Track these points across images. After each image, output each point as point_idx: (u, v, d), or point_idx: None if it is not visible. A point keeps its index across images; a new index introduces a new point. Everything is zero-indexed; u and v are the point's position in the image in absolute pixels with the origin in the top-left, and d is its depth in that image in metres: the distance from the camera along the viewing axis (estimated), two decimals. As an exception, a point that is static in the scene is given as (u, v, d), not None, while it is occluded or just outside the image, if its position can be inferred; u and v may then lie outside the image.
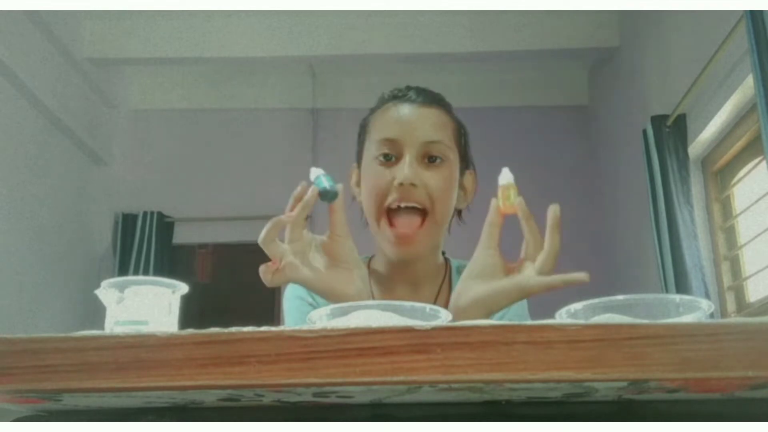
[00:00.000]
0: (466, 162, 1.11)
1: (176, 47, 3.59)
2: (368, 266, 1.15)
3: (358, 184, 1.13)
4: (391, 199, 1.02)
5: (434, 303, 1.09)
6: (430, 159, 1.04)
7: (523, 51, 3.57)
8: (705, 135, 2.58)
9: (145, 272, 3.72)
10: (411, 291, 1.09)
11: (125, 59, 3.71)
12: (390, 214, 1.03)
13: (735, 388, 0.53)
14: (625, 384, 0.51)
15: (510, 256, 0.89)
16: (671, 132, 2.68)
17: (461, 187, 1.10)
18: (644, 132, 2.80)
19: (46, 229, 3.33)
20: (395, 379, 0.50)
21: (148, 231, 3.85)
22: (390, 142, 1.04)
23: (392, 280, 1.11)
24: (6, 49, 2.94)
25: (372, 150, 1.06)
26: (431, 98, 1.09)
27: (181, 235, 3.96)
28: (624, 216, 3.46)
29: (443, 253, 1.16)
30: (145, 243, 3.83)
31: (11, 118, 3.08)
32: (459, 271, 1.15)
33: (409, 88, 1.11)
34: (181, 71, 4.07)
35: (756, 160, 2.34)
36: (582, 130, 4.03)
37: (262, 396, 0.55)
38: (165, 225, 3.91)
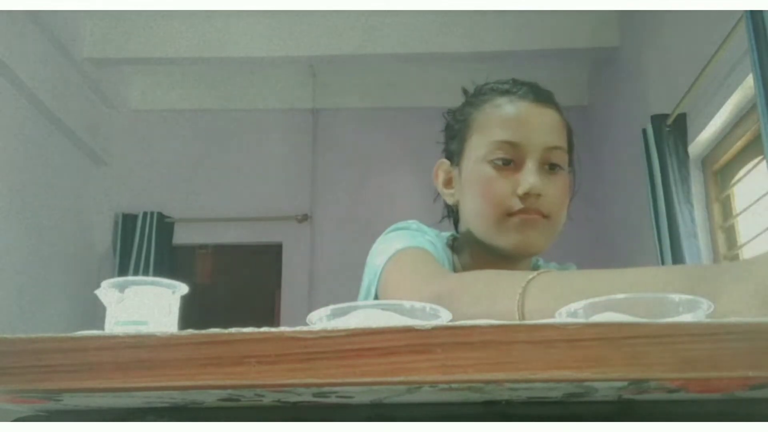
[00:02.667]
0: (570, 168, 1.04)
1: (176, 47, 3.59)
2: (452, 249, 1.06)
3: (449, 184, 1.05)
4: (515, 209, 0.94)
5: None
6: (550, 166, 0.97)
7: (523, 51, 3.57)
8: (705, 134, 2.58)
9: (145, 272, 3.72)
10: None
11: (125, 59, 3.71)
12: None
13: (735, 388, 0.53)
14: (625, 384, 0.51)
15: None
16: (671, 131, 2.68)
17: None
18: (644, 131, 2.80)
19: (46, 229, 3.33)
20: (395, 379, 0.50)
21: (148, 231, 3.85)
22: (510, 145, 0.96)
23: None
24: (6, 49, 2.94)
25: (483, 151, 0.97)
26: (546, 96, 1.02)
27: (181, 236, 3.96)
28: (624, 215, 3.46)
29: None
30: (145, 243, 3.83)
31: (11, 118, 3.08)
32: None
33: (516, 82, 1.02)
34: (181, 71, 4.07)
35: (756, 160, 2.34)
36: (582, 130, 4.01)
37: (262, 396, 0.55)
38: (165, 225, 3.91)
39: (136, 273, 3.72)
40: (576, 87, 4.11)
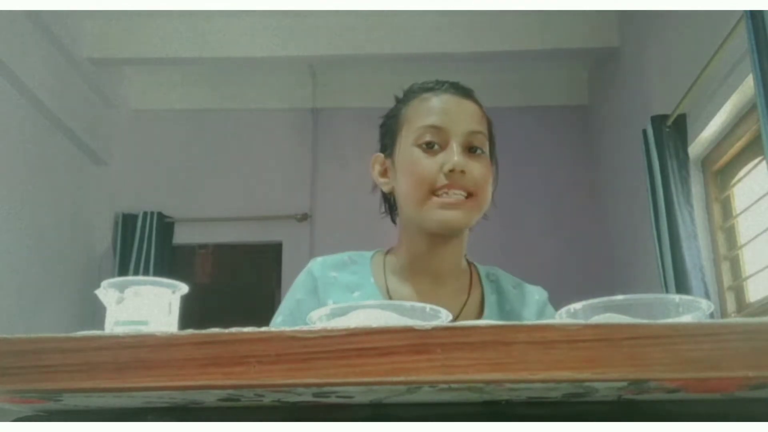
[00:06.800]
0: (491, 158, 1.13)
1: (176, 47, 3.58)
2: (383, 260, 1.16)
3: (384, 174, 1.14)
4: (440, 185, 1.03)
5: (465, 305, 1.10)
6: (471, 149, 1.06)
7: (523, 51, 3.56)
8: (705, 135, 2.58)
9: (145, 272, 3.71)
10: (432, 283, 1.10)
11: (125, 59, 3.71)
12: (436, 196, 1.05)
13: (735, 388, 0.53)
14: (625, 384, 0.51)
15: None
16: (671, 132, 2.68)
17: None
18: (644, 132, 2.80)
19: (46, 229, 3.33)
20: (395, 379, 0.50)
21: (148, 231, 3.84)
22: (435, 129, 1.05)
23: (413, 272, 1.11)
24: (6, 49, 2.94)
25: (412, 137, 1.07)
26: (467, 92, 1.12)
27: (181, 235, 3.96)
28: (624, 216, 3.46)
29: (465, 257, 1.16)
30: (145, 243, 3.83)
31: (11, 118, 3.08)
32: (489, 278, 1.15)
33: (441, 81, 1.12)
34: (181, 71, 4.07)
35: (756, 160, 2.34)
36: (582, 130, 4.03)
37: (262, 396, 0.55)
38: (165, 225, 3.91)
39: (136, 273, 3.71)
40: (576, 87, 4.10)
